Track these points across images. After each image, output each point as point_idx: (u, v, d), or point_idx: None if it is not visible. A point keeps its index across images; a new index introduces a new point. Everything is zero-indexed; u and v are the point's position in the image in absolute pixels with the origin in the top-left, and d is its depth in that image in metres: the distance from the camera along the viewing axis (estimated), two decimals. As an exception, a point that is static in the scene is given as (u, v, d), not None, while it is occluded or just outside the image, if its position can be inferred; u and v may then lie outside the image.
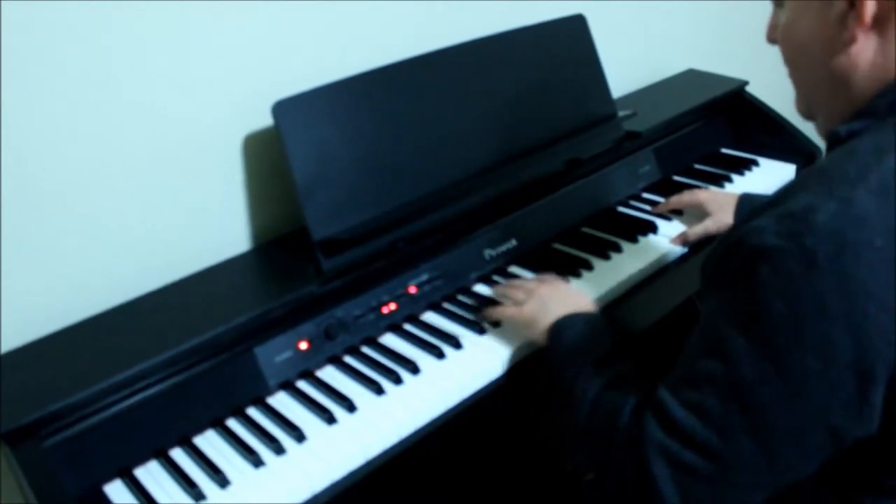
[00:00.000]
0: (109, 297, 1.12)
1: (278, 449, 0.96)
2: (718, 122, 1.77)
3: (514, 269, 1.31)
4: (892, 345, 0.65)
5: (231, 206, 1.26)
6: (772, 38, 0.87)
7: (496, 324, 1.15)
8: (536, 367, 1.13)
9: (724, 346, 0.71)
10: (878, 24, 0.74)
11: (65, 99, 1.05)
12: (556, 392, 0.95)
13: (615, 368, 0.90)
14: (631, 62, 1.85)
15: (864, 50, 0.75)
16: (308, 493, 0.92)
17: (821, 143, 0.87)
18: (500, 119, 1.37)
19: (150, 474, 0.95)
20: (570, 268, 1.26)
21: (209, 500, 0.91)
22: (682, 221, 1.43)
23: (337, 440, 0.98)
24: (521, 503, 1.44)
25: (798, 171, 1.64)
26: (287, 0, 1.23)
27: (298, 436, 0.98)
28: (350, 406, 1.02)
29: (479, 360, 1.09)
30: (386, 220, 1.19)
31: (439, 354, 1.10)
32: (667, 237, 1.37)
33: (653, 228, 1.39)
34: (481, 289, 1.26)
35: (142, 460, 0.97)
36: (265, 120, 1.16)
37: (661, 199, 1.48)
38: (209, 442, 1.00)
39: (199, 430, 1.01)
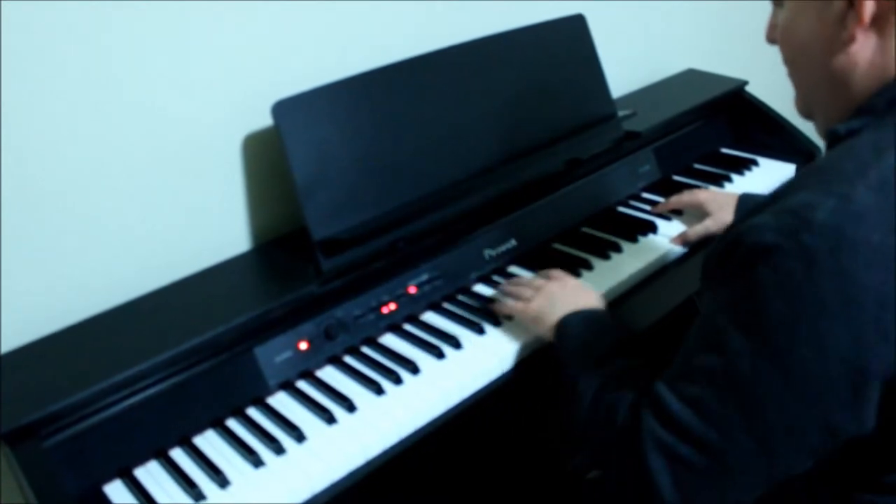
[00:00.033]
0: (109, 297, 1.12)
1: (278, 449, 0.96)
2: (718, 121, 1.77)
3: (513, 269, 1.31)
4: (891, 343, 0.65)
5: (231, 206, 1.26)
6: (771, 38, 0.87)
7: (497, 323, 1.15)
8: (536, 366, 1.13)
9: (722, 342, 0.72)
10: (877, 23, 0.74)
11: (65, 99, 1.05)
12: (562, 388, 0.95)
13: (617, 365, 0.91)
14: (631, 62, 1.85)
15: (863, 49, 0.75)
16: (308, 493, 0.92)
17: (820, 142, 0.87)
18: (499, 119, 1.37)
19: (150, 474, 0.95)
20: (570, 268, 1.26)
21: (209, 501, 0.91)
22: (682, 221, 1.43)
23: (337, 440, 0.98)
24: (522, 503, 1.44)
25: (798, 171, 1.64)
26: (287, 0, 1.23)
27: (298, 436, 0.98)
28: (350, 406, 1.02)
29: (479, 360, 1.09)
30: (386, 220, 1.19)
31: (439, 354, 1.10)
32: (667, 237, 1.37)
33: (653, 228, 1.39)
34: (481, 289, 1.26)
35: (142, 460, 0.97)
36: (265, 120, 1.16)
37: (660, 199, 1.48)
38: (209, 442, 1.00)
39: (199, 430, 1.01)
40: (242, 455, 0.96)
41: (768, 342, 0.68)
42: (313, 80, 1.18)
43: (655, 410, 0.76)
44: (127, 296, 1.13)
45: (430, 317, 1.21)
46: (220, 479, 0.92)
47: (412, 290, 1.20)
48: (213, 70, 1.18)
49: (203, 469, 0.95)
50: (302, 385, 1.08)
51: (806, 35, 0.80)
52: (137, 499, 0.92)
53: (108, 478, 0.95)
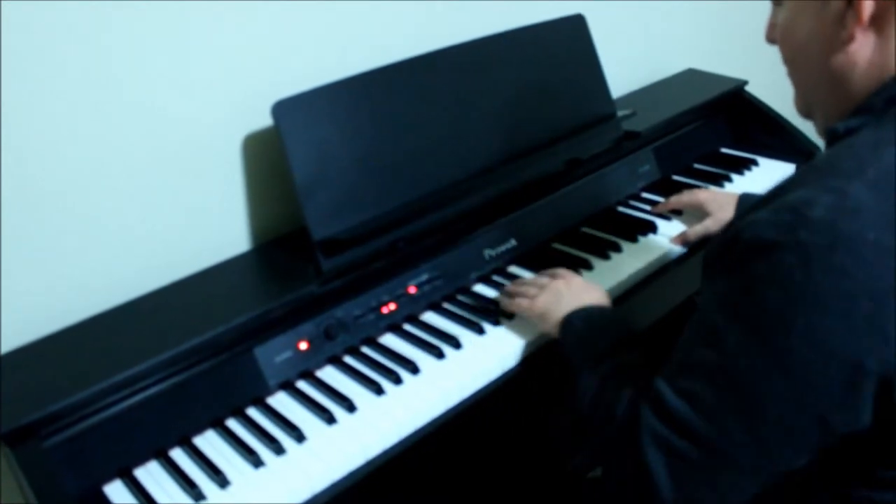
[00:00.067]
0: (109, 297, 1.12)
1: (278, 449, 0.96)
2: (718, 121, 1.77)
3: (513, 269, 1.31)
4: (887, 340, 0.65)
5: (231, 206, 1.26)
6: (771, 38, 0.88)
7: (497, 323, 1.15)
8: (536, 366, 1.13)
9: (719, 336, 0.72)
10: (876, 22, 0.74)
11: (65, 99, 1.05)
12: (568, 384, 0.96)
13: (619, 361, 0.92)
14: (630, 62, 1.85)
15: (862, 48, 0.76)
16: (308, 494, 0.92)
17: (820, 142, 0.87)
18: (499, 119, 1.37)
19: (150, 474, 0.95)
20: (570, 268, 1.25)
21: (209, 501, 0.91)
22: (682, 221, 1.43)
23: (337, 440, 0.98)
24: (522, 503, 1.44)
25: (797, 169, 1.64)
26: (287, 0, 1.23)
27: (298, 436, 0.98)
28: (350, 406, 1.02)
29: (479, 360, 1.09)
30: (386, 220, 1.19)
31: (439, 354, 1.10)
32: (666, 237, 1.37)
33: (652, 228, 1.39)
34: (481, 289, 1.26)
35: (142, 460, 0.97)
36: (265, 120, 1.16)
37: (660, 199, 1.48)
38: (209, 442, 1.00)
39: (199, 430, 1.01)
40: (242, 455, 0.96)
41: (764, 337, 0.69)
42: (313, 80, 1.18)
43: (653, 405, 0.76)
44: (127, 296, 1.13)
45: (430, 317, 1.21)
46: (220, 480, 0.92)
47: (412, 290, 1.20)
48: (213, 70, 1.18)
49: (203, 469, 0.95)
50: (302, 385, 1.08)
51: (805, 34, 0.80)
52: (137, 499, 0.92)
53: (108, 478, 0.95)
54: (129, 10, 1.07)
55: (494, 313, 1.17)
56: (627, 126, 1.54)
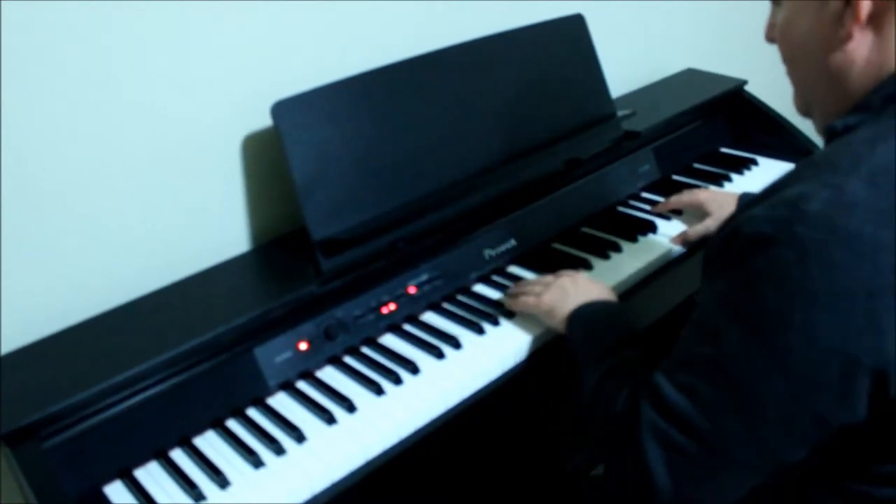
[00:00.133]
0: (110, 297, 1.12)
1: (278, 449, 0.96)
2: (717, 121, 1.77)
3: (513, 269, 1.31)
4: (883, 334, 0.66)
5: (231, 207, 1.26)
6: (770, 37, 0.88)
7: (497, 323, 1.15)
8: (537, 366, 1.13)
9: (718, 331, 0.73)
10: (874, 21, 0.75)
11: (65, 99, 1.05)
12: (574, 380, 0.96)
13: (622, 356, 0.92)
14: (630, 62, 1.85)
15: (860, 47, 0.76)
16: (308, 494, 0.92)
17: (819, 141, 0.88)
18: (499, 119, 1.37)
19: (150, 475, 0.95)
20: (570, 268, 1.26)
21: (209, 501, 0.91)
22: (682, 221, 1.43)
23: (337, 440, 0.98)
24: (521, 503, 1.44)
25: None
26: (287, 0, 1.23)
27: (298, 436, 0.98)
28: (350, 406, 1.02)
29: (479, 360, 1.09)
30: (386, 220, 1.19)
31: (439, 355, 1.10)
32: (666, 237, 1.37)
33: (652, 228, 1.39)
34: (481, 289, 1.26)
35: (142, 461, 0.97)
36: (265, 120, 1.16)
37: (660, 199, 1.48)
38: (209, 443, 1.00)
39: (199, 430, 1.01)
40: (242, 455, 0.96)
41: (761, 331, 0.69)
42: (313, 80, 1.18)
43: (653, 399, 0.77)
44: (127, 296, 1.13)
45: (430, 317, 1.21)
46: (220, 480, 0.92)
47: (412, 290, 1.20)
48: (213, 70, 1.18)
49: (203, 469, 0.95)
50: (302, 385, 1.08)
51: (804, 33, 0.81)
52: (137, 499, 0.91)
53: (108, 478, 0.95)
54: (129, 10, 1.07)
55: (494, 313, 1.17)
56: (627, 126, 1.54)
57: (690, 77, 1.91)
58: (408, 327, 1.18)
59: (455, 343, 1.12)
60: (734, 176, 1.61)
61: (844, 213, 0.66)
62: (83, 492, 0.92)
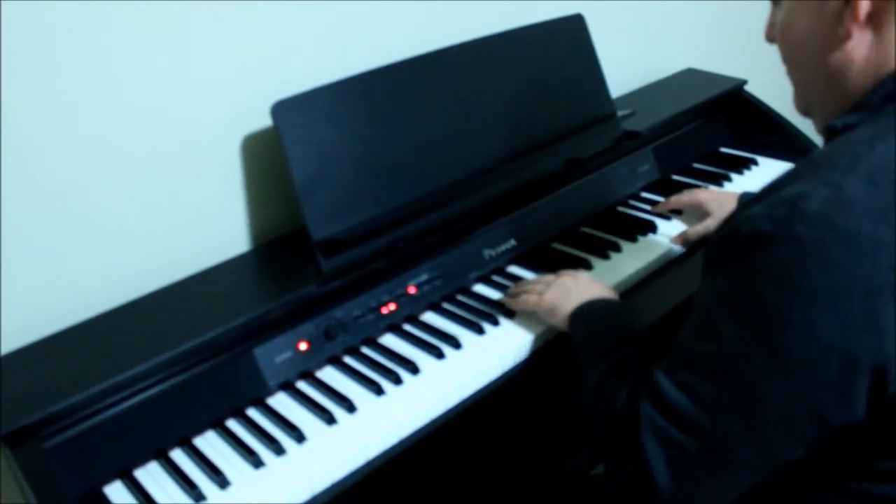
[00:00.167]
0: (110, 297, 1.12)
1: (278, 449, 0.96)
2: (717, 121, 1.77)
3: (513, 269, 1.31)
4: (882, 332, 0.66)
5: (231, 207, 1.26)
6: (770, 37, 0.89)
7: (497, 323, 1.16)
8: (536, 366, 1.13)
9: (717, 329, 0.73)
10: (873, 20, 0.75)
11: (65, 99, 1.05)
12: (575, 378, 0.96)
13: (623, 354, 0.92)
14: (630, 61, 1.85)
15: (859, 46, 0.77)
16: (308, 494, 0.92)
17: (819, 140, 0.88)
18: (499, 119, 1.37)
19: (150, 475, 0.95)
20: (570, 268, 1.26)
21: (209, 501, 0.91)
22: (682, 221, 1.43)
23: (337, 440, 0.98)
24: (521, 503, 1.44)
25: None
26: (287, 0, 1.23)
27: (298, 436, 0.98)
28: (350, 406, 1.02)
29: (479, 360, 1.09)
30: (385, 220, 1.19)
31: (439, 355, 1.10)
32: (666, 237, 1.37)
33: (652, 228, 1.39)
34: (481, 289, 1.26)
35: (142, 461, 0.97)
36: (265, 120, 1.16)
37: (660, 199, 1.48)
38: (209, 443, 1.00)
39: (199, 430, 1.01)
40: (242, 456, 0.96)
41: (760, 329, 0.70)
42: (313, 80, 1.18)
43: (652, 398, 0.77)
44: (127, 296, 1.13)
45: (430, 317, 1.21)
46: (220, 480, 0.92)
47: (412, 290, 1.20)
48: (213, 70, 1.18)
49: (203, 470, 0.95)
50: (302, 385, 1.08)
51: (803, 33, 0.81)
52: (137, 499, 0.91)
53: (108, 479, 0.95)
54: (129, 10, 1.07)
55: (494, 313, 1.17)
56: (627, 126, 1.54)
57: (690, 77, 1.91)
58: (408, 327, 1.18)
59: (455, 343, 1.12)
60: (734, 176, 1.61)
61: (843, 211, 0.66)
62: (83, 492, 0.92)
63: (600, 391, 0.87)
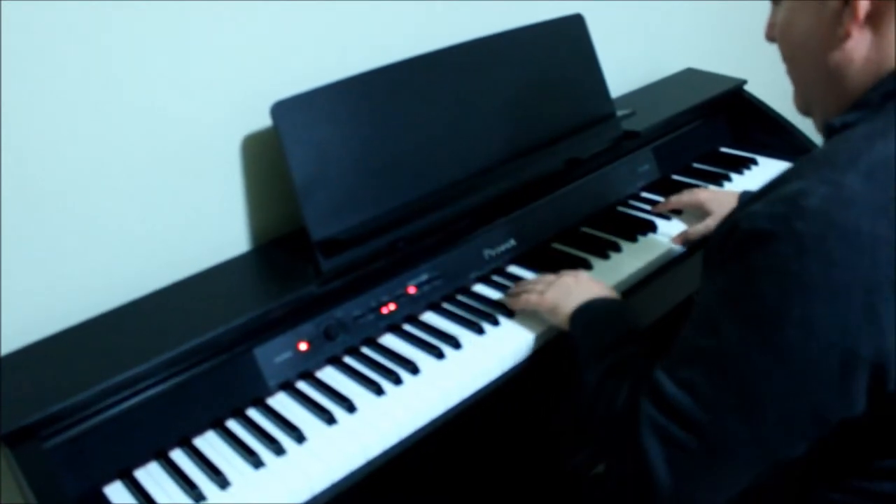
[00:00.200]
0: (110, 297, 1.12)
1: (278, 450, 0.96)
2: (717, 120, 1.77)
3: (513, 269, 1.31)
4: (881, 329, 0.66)
5: (231, 207, 1.26)
6: (770, 37, 0.89)
7: (497, 323, 1.15)
8: (536, 366, 1.13)
9: (717, 327, 0.73)
10: (872, 20, 0.76)
11: (65, 99, 1.05)
12: (575, 378, 0.96)
13: (622, 354, 0.92)
14: (629, 61, 1.85)
15: (859, 45, 0.77)
16: (308, 494, 0.92)
17: (819, 140, 0.88)
18: (499, 119, 1.37)
19: (150, 475, 0.95)
20: (570, 268, 1.26)
21: (209, 501, 0.91)
22: (682, 221, 1.43)
23: (337, 441, 0.98)
24: (522, 503, 1.44)
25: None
26: (287, 0, 1.23)
27: (298, 436, 0.98)
28: (350, 406, 1.02)
29: (479, 360, 1.09)
30: (385, 220, 1.19)
31: (439, 355, 1.10)
32: (666, 237, 1.37)
33: (652, 228, 1.39)
34: (481, 289, 1.26)
35: (142, 461, 0.97)
36: (264, 120, 1.16)
37: (660, 199, 1.48)
38: (209, 443, 1.00)
39: (199, 430, 1.01)
40: (242, 456, 0.96)
41: (760, 326, 0.70)
42: (313, 80, 1.18)
43: (653, 395, 0.77)
44: (127, 296, 1.13)
45: (430, 317, 1.21)
46: (220, 480, 0.92)
47: (412, 290, 1.20)
48: (213, 70, 1.18)
49: (203, 470, 0.95)
50: (302, 385, 1.08)
51: (803, 32, 0.82)
52: (137, 500, 0.91)
53: (108, 479, 0.95)
54: (129, 10, 1.07)
55: (494, 313, 1.17)
56: (627, 126, 1.54)
57: (690, 77, 1.91)
58: (408, 327, 1.18)
59: (455, 343, 1.12)
60: (734, 175, 1.61)
61: (843, 208, 0.66)
62: (83, 492, 0.92)
63: (601, 390, 0.88)
